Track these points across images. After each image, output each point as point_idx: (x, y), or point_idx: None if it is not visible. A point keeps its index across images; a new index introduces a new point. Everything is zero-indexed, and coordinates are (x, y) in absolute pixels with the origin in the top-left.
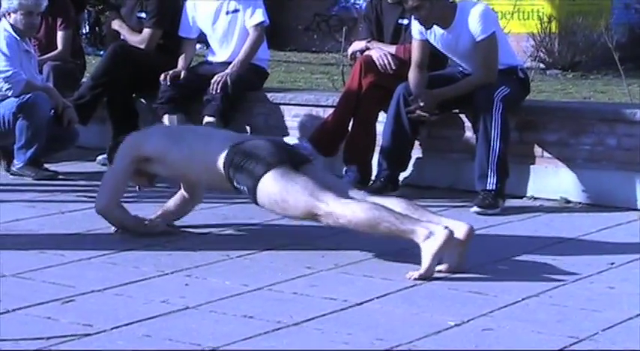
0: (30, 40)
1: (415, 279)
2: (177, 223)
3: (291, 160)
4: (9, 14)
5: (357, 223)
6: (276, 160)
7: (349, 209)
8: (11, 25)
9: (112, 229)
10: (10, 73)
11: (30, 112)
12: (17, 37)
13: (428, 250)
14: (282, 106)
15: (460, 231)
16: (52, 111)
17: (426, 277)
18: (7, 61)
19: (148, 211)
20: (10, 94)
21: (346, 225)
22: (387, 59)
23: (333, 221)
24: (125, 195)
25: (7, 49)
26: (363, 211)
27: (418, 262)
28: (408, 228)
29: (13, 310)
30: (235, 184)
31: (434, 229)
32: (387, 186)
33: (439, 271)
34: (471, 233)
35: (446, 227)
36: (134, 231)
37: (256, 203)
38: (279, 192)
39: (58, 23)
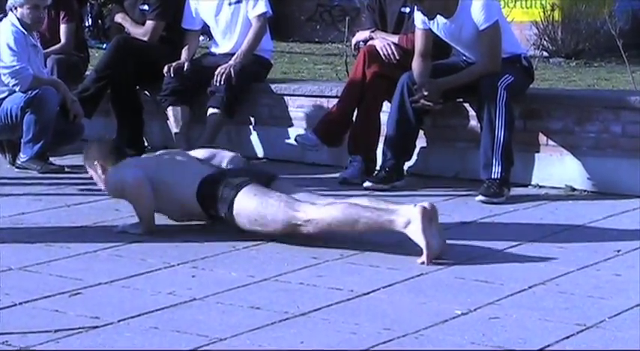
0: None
1: (425, 263)
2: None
3: (259, 179)
4: (15, 8)
5: (337, 224)
6: (244, 180)
7: (326, 212)
8: (18, 19)
9: (119, 227)
10: (18, 68)
11: (38, 107)
12: (24, 32)
13: (414, 233)
14: (286, 97)
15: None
16: (58, 105)
17: (434, 255)
18: (14, 56)
19: None
20: (17, 90)
21: (327, 229)
22: (391, 49)
23: (313, 228)
24: None
25: (15, 44)
26: (339, 211)
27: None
28: (386, 219)
29: (20, 303)
30: (217, 213)
31: (407, 212)
32: (392, 175)
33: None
34: (434, 207)
35: (415, 205)
36: (146, 220)
37: (238, 228)
38: (255, 209)
39: (61, 16)
